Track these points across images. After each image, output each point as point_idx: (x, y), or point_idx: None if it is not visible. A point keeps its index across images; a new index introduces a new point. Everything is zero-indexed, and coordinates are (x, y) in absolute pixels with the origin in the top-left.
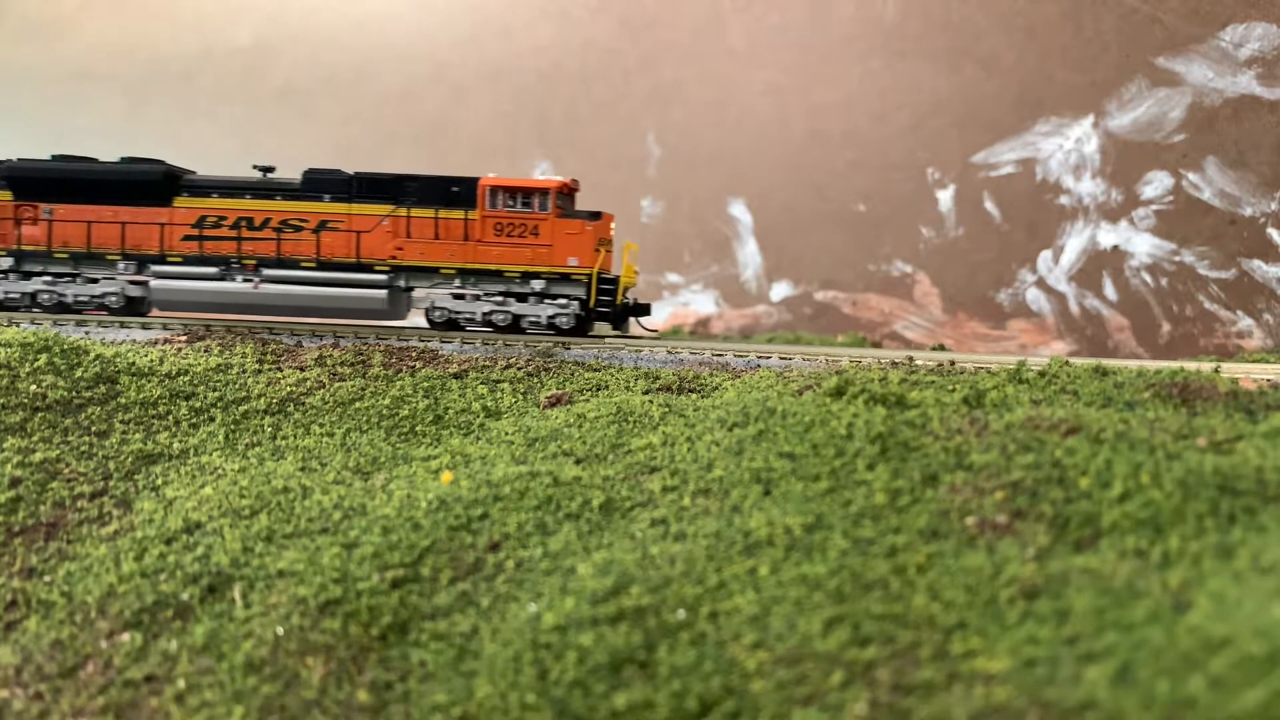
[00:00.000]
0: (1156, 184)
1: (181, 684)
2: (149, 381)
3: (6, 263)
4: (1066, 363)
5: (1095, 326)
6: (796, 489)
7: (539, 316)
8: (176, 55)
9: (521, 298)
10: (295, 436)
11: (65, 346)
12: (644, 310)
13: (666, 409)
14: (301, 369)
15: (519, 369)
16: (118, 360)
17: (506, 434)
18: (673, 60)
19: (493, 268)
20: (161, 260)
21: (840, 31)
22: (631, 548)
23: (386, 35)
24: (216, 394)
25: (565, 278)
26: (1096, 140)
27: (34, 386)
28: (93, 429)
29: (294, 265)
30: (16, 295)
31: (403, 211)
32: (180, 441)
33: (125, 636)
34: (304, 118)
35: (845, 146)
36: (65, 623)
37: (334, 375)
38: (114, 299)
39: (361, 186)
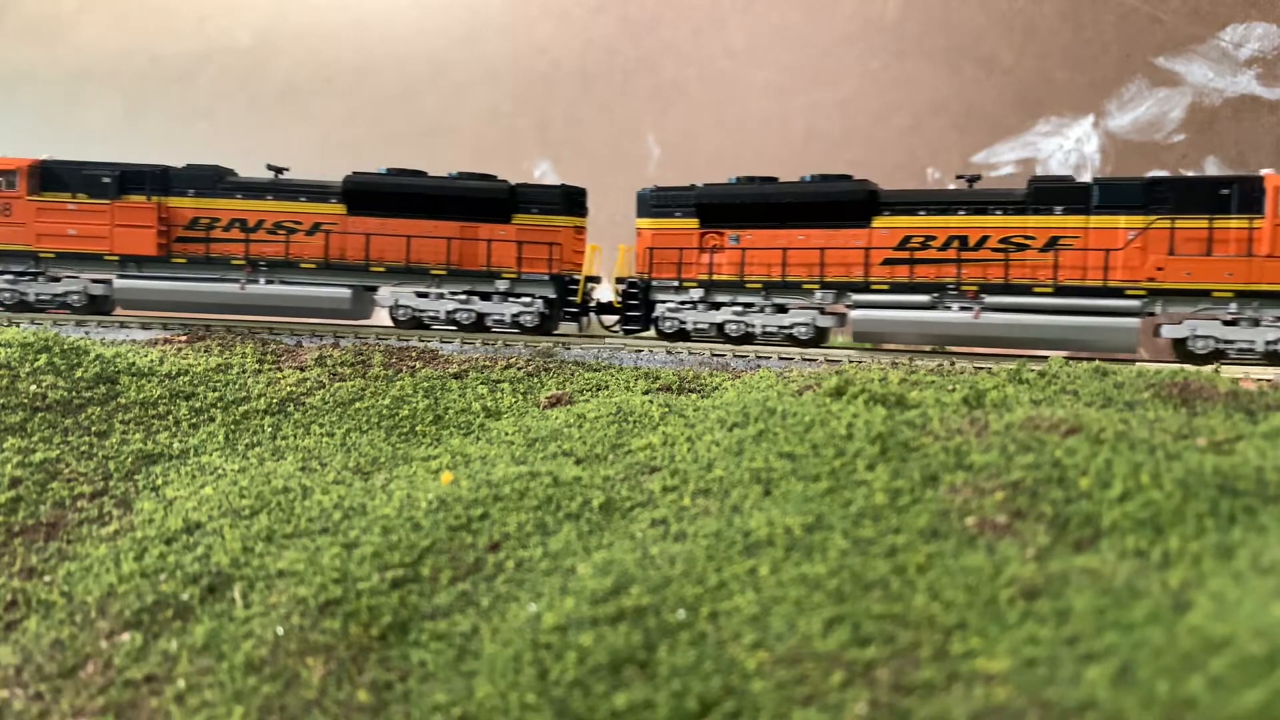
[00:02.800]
0: None
1: (181, 684)
2: (149, 381)
3: (697, 293)
4: (1066, 363)
5: None
6: (796, 489)
7: None
8: (176, 55)
9: None
10: (295, 436)
11: (65, 346)
12: None
13: (666, 409)
14: (301, 369)
15: (519, 369)
16: (118, 360)
17: (506, 434)
18: (673, 60)
19: None
20: (864, 288)
21: (840, 31)
22: (631, 548)
23: (386, 35)
24: (216, 394)
25: None
26: (1096, 140)
27: (34, 386)
28: (93, 429)
29: (1023, 291)
30: (705, 325)
31: (1164, 222)
32: (180, 441)
33: (125, 636)
34: (304, 118)
35: (845, 146)
36: (65, 623)
37: (334, 375)
38: (803, 330)
39: (1103, 194)
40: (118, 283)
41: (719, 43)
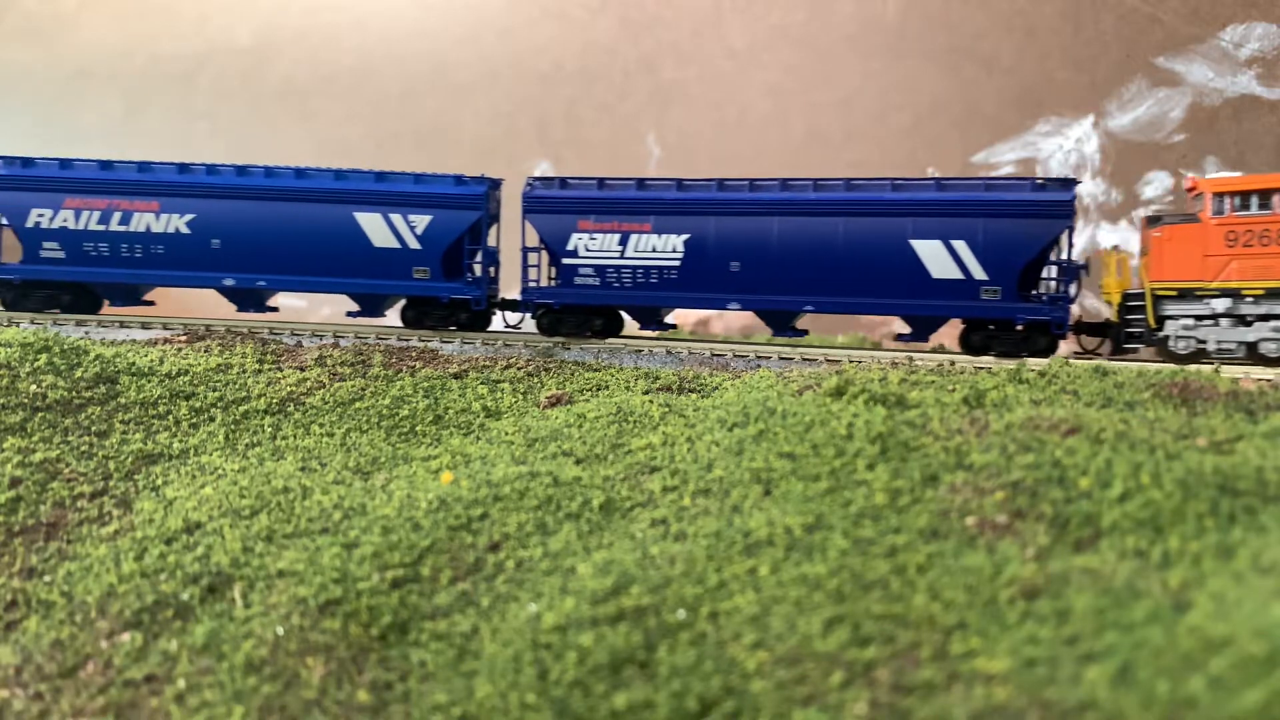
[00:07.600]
0: (1156, 184)
1: (181, 684)
2: (149, 381)
3: None
4: (1066, 363)
5: None
6: (796, 489)
7: None
8: (176, 55)
9: None
10: (295, 436)
11: (65, 346)
12: None
13: (666, 409)
14: (301, 369)
15: (519, 369)
16: (118, 360)
17: (506, 434)
18: (673, 60)
19: None
20: None
21: (840, 31)
22: (631, 548)
23: (386, 35)
24: (216, 394)
25: None
26: (1096, 140)
27: (34, 386)
28: (93, 429)
29: None
30: None
31: None
32: (180, 441)
33: (125, 636)
34: (304, 118)
35: (845, 146)
36: (65, 623)
37: (334, 375)
38: None
39: None
40: None
41: (719, 43)
